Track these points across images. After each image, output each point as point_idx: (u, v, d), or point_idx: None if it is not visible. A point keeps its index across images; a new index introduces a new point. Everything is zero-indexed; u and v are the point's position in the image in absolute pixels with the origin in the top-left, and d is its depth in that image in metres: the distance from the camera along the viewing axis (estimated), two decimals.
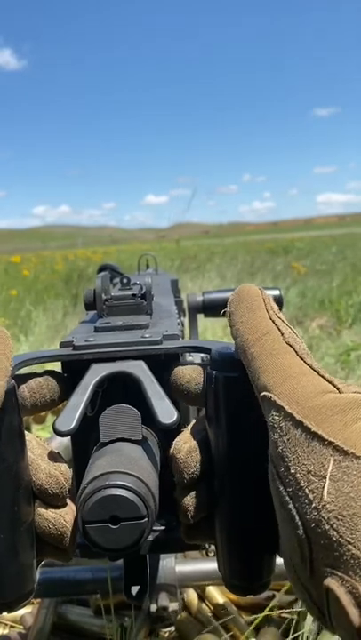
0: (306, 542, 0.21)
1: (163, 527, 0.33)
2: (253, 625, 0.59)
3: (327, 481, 0.20)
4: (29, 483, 0.27)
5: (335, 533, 0.20)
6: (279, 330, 0.25)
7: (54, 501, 0.28)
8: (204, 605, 0.65)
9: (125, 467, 0.25)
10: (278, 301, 0.64)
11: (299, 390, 0.23)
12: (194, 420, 0.31)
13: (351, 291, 2.79)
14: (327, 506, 0.20)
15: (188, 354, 0.44)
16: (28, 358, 0.31)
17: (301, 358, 0.24)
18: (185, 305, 0.68)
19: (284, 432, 0.23)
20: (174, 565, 0.61)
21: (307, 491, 0.21)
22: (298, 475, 0.21)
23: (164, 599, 0.59)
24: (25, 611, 0.66)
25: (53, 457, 0.28)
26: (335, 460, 0.20)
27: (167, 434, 0.30)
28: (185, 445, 0.29)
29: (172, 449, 0.29)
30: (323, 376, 0.23)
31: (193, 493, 0.28)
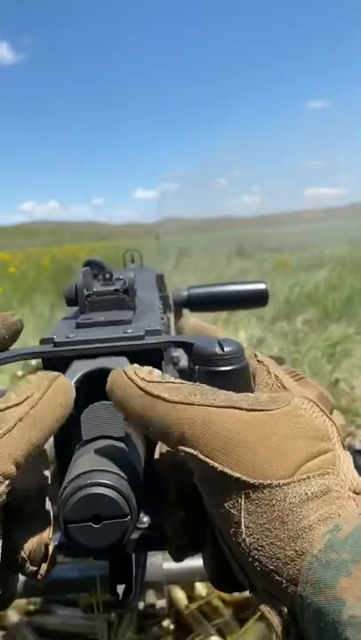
0: (241, 571, 0.23)
1: (148, 525, 0.33)
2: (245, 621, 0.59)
3: (242, 517, 0.21)
4: None
5: (258, 564, 0.21)
6: (158, 397, 0.25)
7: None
8: (191, 602, 0.65)
9: (107, 465, 0.24)
10: (263, 294, 0.64)
11: (197, 430, 0.23)
12: None
13: (338, 285, 2.81)
14: (246, 539, 0.21)
15: (172, 349, 0.43)
16: (8, 356, 0.31)
17: (189, 403, 0.24)
18: (171, 300, 0.68)
19: (199, 475, 0.23)
20: (162, 562, 0.61)
21: (227, 526, 0.22)
22: (218, 513, 0.22)
23: (151, 596, 0.59)
24: (11, 612, 0.65)
25: None
26: (246, 494, 0.21)
27: None
28: (167, 465, 0.29)
29: (154, 461, 0.29)
30: (218, 405, 0.23)
31: (182, 513, 0.28)
